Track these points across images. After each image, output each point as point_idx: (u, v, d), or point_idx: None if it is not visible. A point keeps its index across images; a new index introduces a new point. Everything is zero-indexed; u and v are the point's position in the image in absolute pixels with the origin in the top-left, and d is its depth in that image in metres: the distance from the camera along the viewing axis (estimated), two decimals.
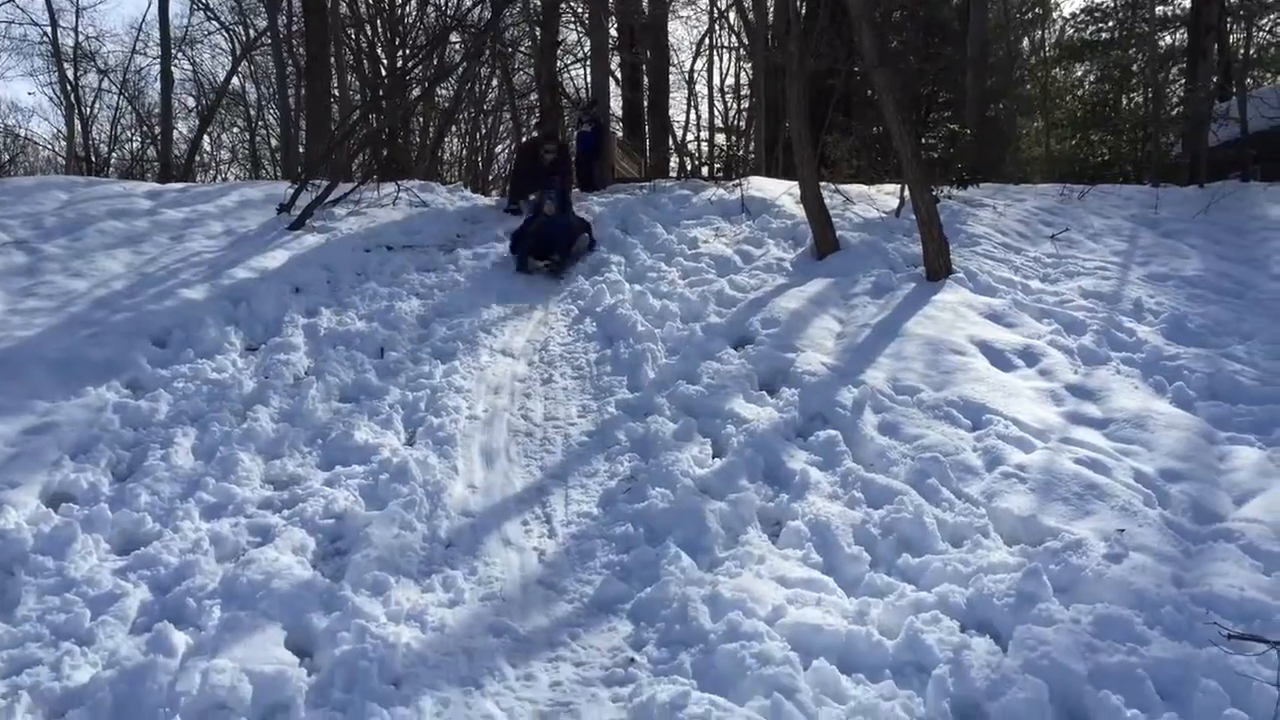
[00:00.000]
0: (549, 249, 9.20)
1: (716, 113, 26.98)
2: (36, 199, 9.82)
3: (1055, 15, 26.10)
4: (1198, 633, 4.14)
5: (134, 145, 26.19)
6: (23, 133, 27.14)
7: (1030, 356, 7.21)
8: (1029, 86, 23.45)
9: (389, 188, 11.17)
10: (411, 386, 6.86)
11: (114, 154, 25.12)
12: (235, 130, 28.52)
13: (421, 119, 17.62)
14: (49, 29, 22.12)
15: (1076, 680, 3.88)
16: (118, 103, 24.83)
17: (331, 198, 10.28)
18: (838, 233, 9.54)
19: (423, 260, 9.26)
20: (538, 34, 14.81)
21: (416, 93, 14.17)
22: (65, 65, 22.78)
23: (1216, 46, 16.95)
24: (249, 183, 12.87)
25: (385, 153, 12.78)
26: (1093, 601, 4.38)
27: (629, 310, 8.00)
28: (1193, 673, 3.88)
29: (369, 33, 18.98)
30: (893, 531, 5.09)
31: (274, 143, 27.37)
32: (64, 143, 23.69)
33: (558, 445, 6.23)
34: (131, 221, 9.43)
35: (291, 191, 10.21)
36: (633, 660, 4.16)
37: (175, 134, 21.60)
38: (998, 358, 7.14)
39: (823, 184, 9.95)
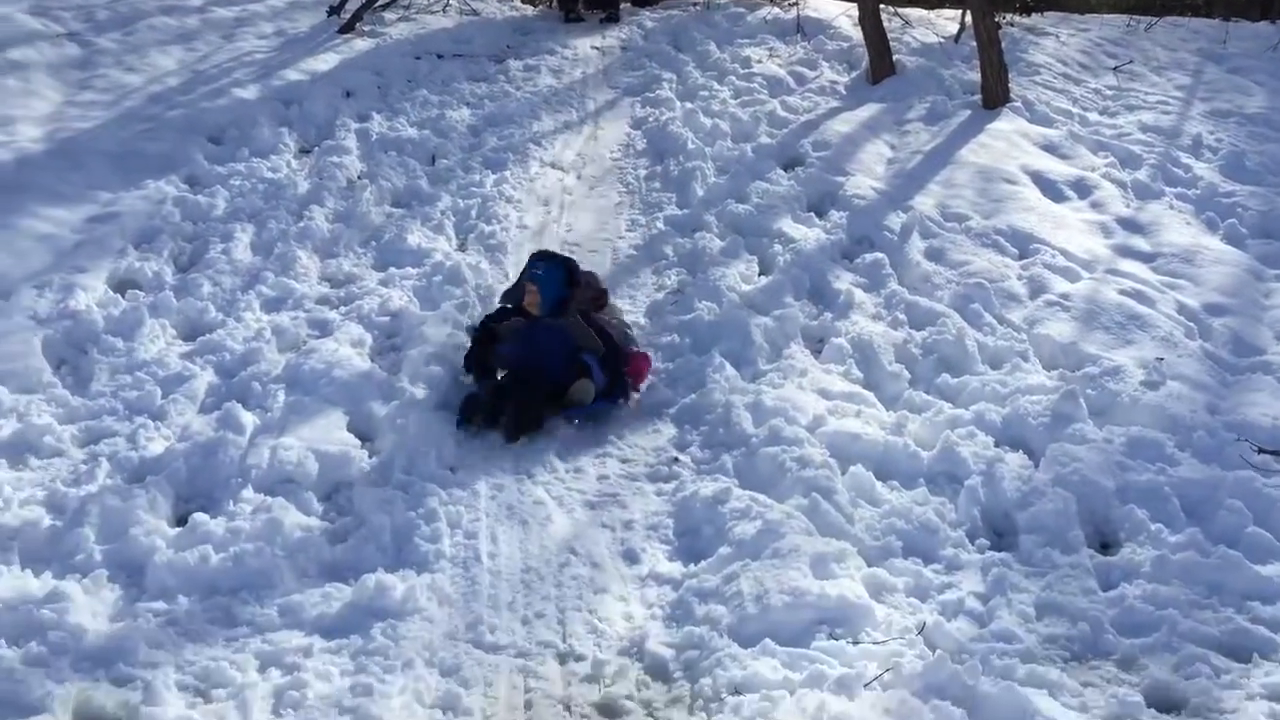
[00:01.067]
0: None
1: None
2: None
3: None
4: (1227, 457, 4.26)
5: None
6: None
7: (1083, 188, 7.15)
8: None
9: None
10: (462, 194, 6.91)
11: None
12: None
13: None
14: None
15: (1105, 495, 4.03)
16: None
17: (381, 1, 10.12)
18: (894, 57, 9.32)
19: (473, 69, 9.17)
20: None
21: None
22: None
23: None
24: None
25: None
26: (1126, 424, 4.49)
27: (680, 128, 7.94)
28: (1219, 493, 4.01)
29: None
30: (934, 352, 5.19)
31: None
32: None
33: (606, 257, 6.32)
34: (183, 18, 9.35)
35: None
36: (676, 459, 4.35)
37: None
38: (1050, 188, 7.08)
39: (881, 6, 9.67)
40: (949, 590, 3.51)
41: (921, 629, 3.23)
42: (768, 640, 3.12)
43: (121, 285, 5.39)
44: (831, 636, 3.17)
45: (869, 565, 3.60)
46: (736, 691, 2.92)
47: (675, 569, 3.64)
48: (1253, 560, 3.65)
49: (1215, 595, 3.49)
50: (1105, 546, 3.86)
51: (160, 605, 3.17)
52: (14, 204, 5.97)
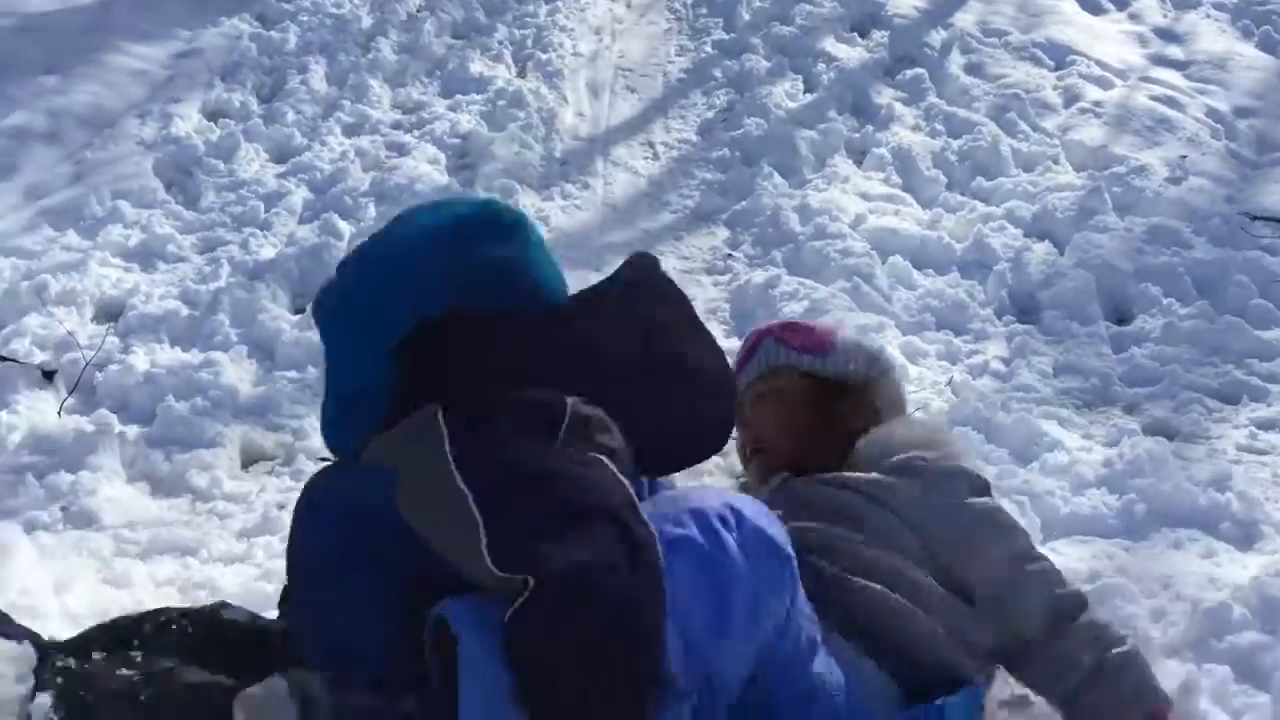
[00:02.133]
0: None
1: None
2: None
3: None
4: (1239, 240, 4.62)
5: None
6: None
7: (1121, 1, 7.31)
8: None
9: None
10: (518, 25, 7.20)
11: None
12: None
13: None
14: None
15: (1122, 276, 4.43)
16: None
17: None
18: None
19: None
20: None
21: None
22: None
23: None
24: None
25: None
26: (1148, 216, 4.85)
27: None
28: (1229, 271, 4.39)
29: None
30: (969, 158, 5.52)
31: None
32: None
33: (657, 80, 6.65)
34: None
35: None
36: (730, 255, 4.79)
37: None
38: (1088, 2, 7.25)
39: None
40: (976, 355, 3.96)
41: (949, 381, 3.70)
42: None
43: (213, 114, 5.82)
44: None
45: (904, 335, 4.05)
46: None
47: (733, 344, 4.11)
48: (1255, 326, 4.05)
49: (1217, 354, 3.90)
50: (1121, 321, 4.27)
51: (293, 374, 3.70)
52: (103, 42, 6.38)
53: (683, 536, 1.51)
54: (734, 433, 1.94)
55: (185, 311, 4.07)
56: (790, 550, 1.58)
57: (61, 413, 3.40)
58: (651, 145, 5.88)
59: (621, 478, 1.53)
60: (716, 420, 1.77)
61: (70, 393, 3.51)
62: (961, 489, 1.97)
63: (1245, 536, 2.60)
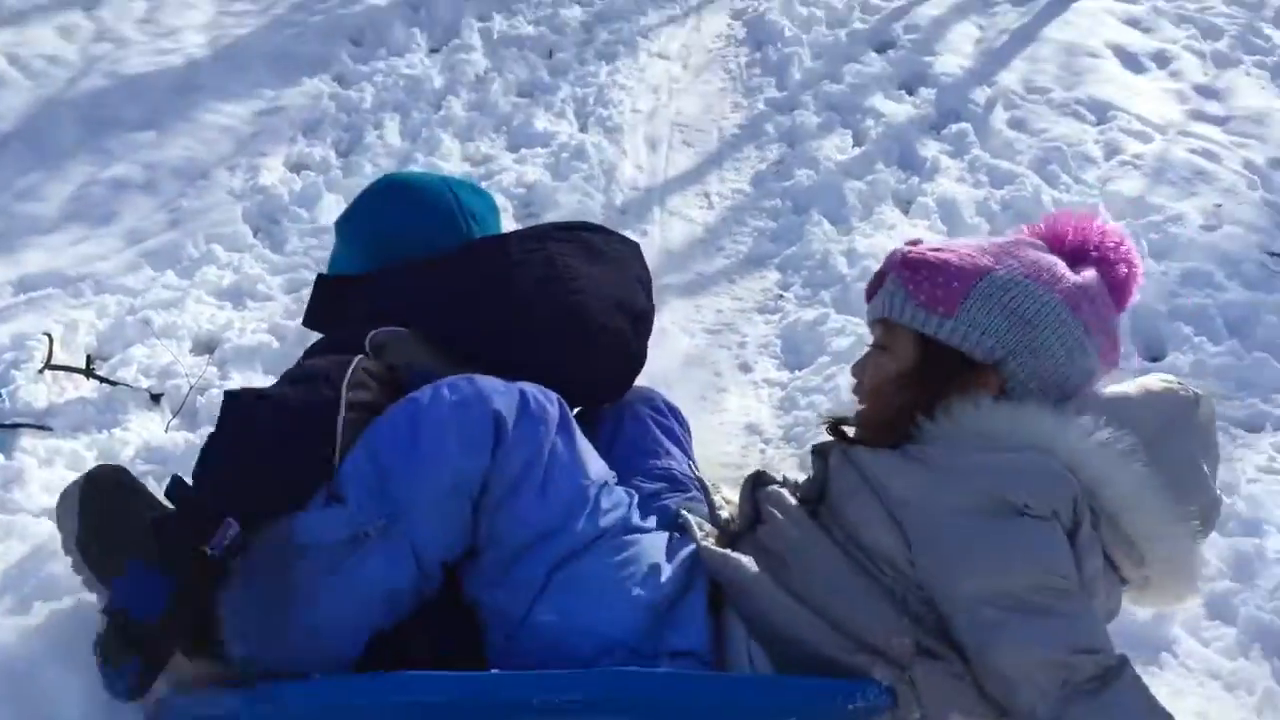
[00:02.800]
0: None
1: None
2: None
3: None
4: (1271, 283, 4.82)
5: None
6: None
7: (1163, 59, 7.55)
8: None
9: None
10: (580, 84, 7.59)
11: None
12: None
13: None
14: None
15: (1156, 316, 4.64)
16: None
17: None
18: None
19: None
20: None
21: None
22: None
23: None
24: None
25: None
26: (1182, 260, 5.06)
27: (777, 17, 8.47)
28: (1259, 312, 4.59)
29: None
30: (1011, 207, 5.77)
31: None
32: None
33: (712, 135, 6.98)
34: None
35: None
36: (781, 295, 5.06)
37: None
38: (1130, 60, 7.51)
39: None
40: None
41: None
42: None
43: (296, 166, 6.23)
44: None
45: None
46: None
47: (783, 375, 4.38)
48: None
49: (1244, 389, 4.09)
50: (1154, 358, 4.47)
51: None
52: (193, 101, 6.84)
53: (410, 397, 1.88)
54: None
55: (275, 344, 4.41)
56: (511, 415, 1.78)
57: (168, 430, 3.74)
58: (706, 195, 6.19)
59: (350, 365, 2.01)
60: (594, 380, 2.17)
61: (176, 413, 3.85)
62: (966, 497, 1.62)
63: (1246, 532, 2.77)
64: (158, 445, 3.57)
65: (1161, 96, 7.00)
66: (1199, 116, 6.74)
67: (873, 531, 1.70)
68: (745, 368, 4.50)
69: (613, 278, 2.22)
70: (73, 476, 2.91)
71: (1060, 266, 1.76)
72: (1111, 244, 1.80)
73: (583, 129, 6.99)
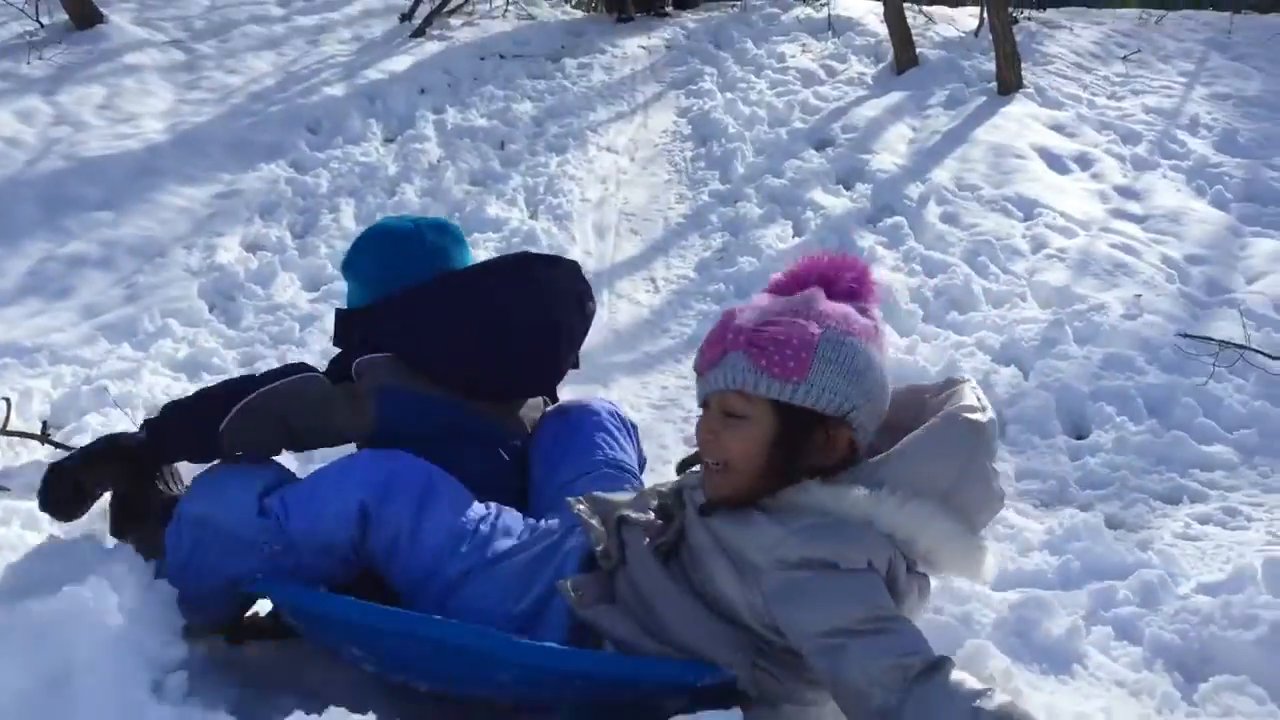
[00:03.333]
0: None
1: None
2: (181, 4, 10.78)
3: None
4: (1188, 367, 5.08)
5: None
6: None
7: (1085, 162, 7.97)
8: None
9: (499, 0, 11.93)
10: (530, 174, 7.84)
11: None
12: None
13: None
14: None
15: (1080, 396, 4.87)
16: None
17: (448, 7, 11.12)
18: (917, 50, 10.17)
19: (532, 68, 10.12)
20: None
21: None
22: None
23: None
24: None
25: None
26: (1105, 346, 5.32)
27: (721, 115, 8.84)
28: (1176, 393, 4.84)
29: None
30: (944, 295, 6.03)
31: None
32: None
33: (658, 224, 7.24)
34: (270, 26, 10.38)
35: (412, 2, 11.04)
36: None
37: None
38: (1055, 162, 7.91)
39: (906, 3, 10.51)
40: None
41: None
42: None
43: (252, 247, 6.37)
44: None
45: None
46: None
47: None
48: (1199, 441, 4.47)
49: (1163, 464, 4.31)
50: (1079, 435, 4.69)
51: None
52: (152, 183, 6.98)
53: (334, 463, 2.45)
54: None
55: None
56: (374, 503, 2.27)
57: None
58: (653, 280, 6.41)
59: (318, 381, 2.49)
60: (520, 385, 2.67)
61: None
62: (807, 560, 1.88)
63: (1161, 582, 2.94)
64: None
65: (1084, 195, 7.38)
66: (1120, 214, 7.11)
67: (724, 584, 1.99)
68: (690, 442, 4.65)
69: (544, 300, 2.67)
70: (29, 536, 2.98)
71: (852, 314, 1.99)
72: (850, 275, 2.08)
73: (533, 216, 7.21)
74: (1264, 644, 1.88)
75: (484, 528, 2.31)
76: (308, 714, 1.46)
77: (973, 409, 1.98)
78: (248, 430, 2.38)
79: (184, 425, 2.48)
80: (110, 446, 2.52)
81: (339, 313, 2.81)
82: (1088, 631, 2.36)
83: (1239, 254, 6.59)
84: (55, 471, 2.52)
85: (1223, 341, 5.13)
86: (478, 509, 2.37)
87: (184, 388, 4.75)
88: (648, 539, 2.12)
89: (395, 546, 2.27)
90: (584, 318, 2.79)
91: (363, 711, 1.54)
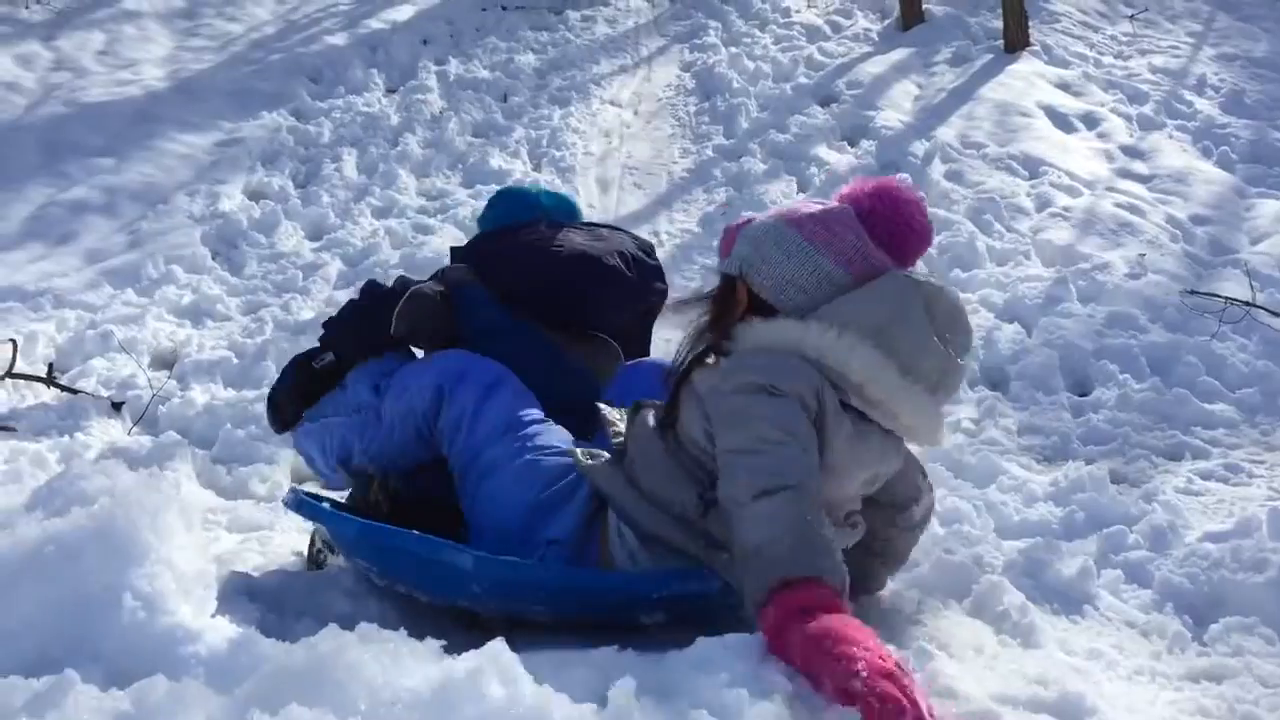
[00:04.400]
0: None
1: None
2: None
3: None
4: (1191, 326, 5.09)
5: None
6: None
7: (1091, 121, 7.92)
8: None
9: None
10: (534, 126, 7.80)
11: None
12: None
13: None
14: None
15: (1083, 354, 4.87)
16: None
17: None
18: (924, 6, 10.08)
19: (535, 19, 10.03)
20: None
21: None
22: None
23: None
24: None
25: None
26: (1108, 304, 5.32)
27: (725, 70, 8.78)
28: (1179, 352, 4.84)
29: None
30: (948, 252, 6.02)
31: None
32: None
33: (662, 179, 7.21)
34: None
35: None
36: None
37: None
38: (1061, 120, 7.86)
39: None
40: (949, 417, 4.37)
41: None
42: None
43: (255, 195, 6.35)
44: None
45: None
46: None
47: None
48: (1201, 400, 4.48)
49: (1165, 421, 4.32)
50: (1082, 393, 4.70)
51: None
52: (153, 130, 6.94)
53: (423, 357, 2.94)
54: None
55: (235, 360, 4.49)
56: (449, 384, 2.62)
57: (131, 433, 3.81)
58: (657, 234, 6.39)
59: (435, 288, 2.94)
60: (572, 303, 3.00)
61: (137, 421, 3.92)
62: (737, 385, 2.08)
63: (1171, 527, 2.96)
64: (122, 447, 3.64)
65: (1090, 155, 7.35)
66: (1125, 174, 7.08)
67: (690, 425, 2.20)
68: None
69: (602, 246, 3.15)
70: (40, 474, 2.99)
71: (805, 208, 2.25)
72: (888, 213, 2.25)
73: (536, 169, 7.18)
74: (1274, 586, 1.91)
75: (534, 428, 2.56)
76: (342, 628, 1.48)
77: (917, 273, 2.23)
78: (415, 315, 2.83)
79: (360, 329, 2.96)
80: (307, 375, 3.01)
81: (453, 249, 3.27)
82: (1098, 574, 2.39)
83: (1244, 215, 6.57)
84: (272, 403, 3.07)
85: (1229, 299, 5.12)
86: (535, 412, 2.63)
87: (188, 334, 4.75)
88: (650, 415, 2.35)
89: (459, 425, 2.56)
90: (645, 287, 3.18)
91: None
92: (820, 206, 2.28)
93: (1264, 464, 3.88)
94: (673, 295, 2.94)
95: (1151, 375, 4.72)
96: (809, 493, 1.95)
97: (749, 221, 2.39)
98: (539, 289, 2.93)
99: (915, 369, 2.07)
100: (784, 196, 6.69)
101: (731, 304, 2.25)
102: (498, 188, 6.78)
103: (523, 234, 3.04)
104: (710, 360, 2.24)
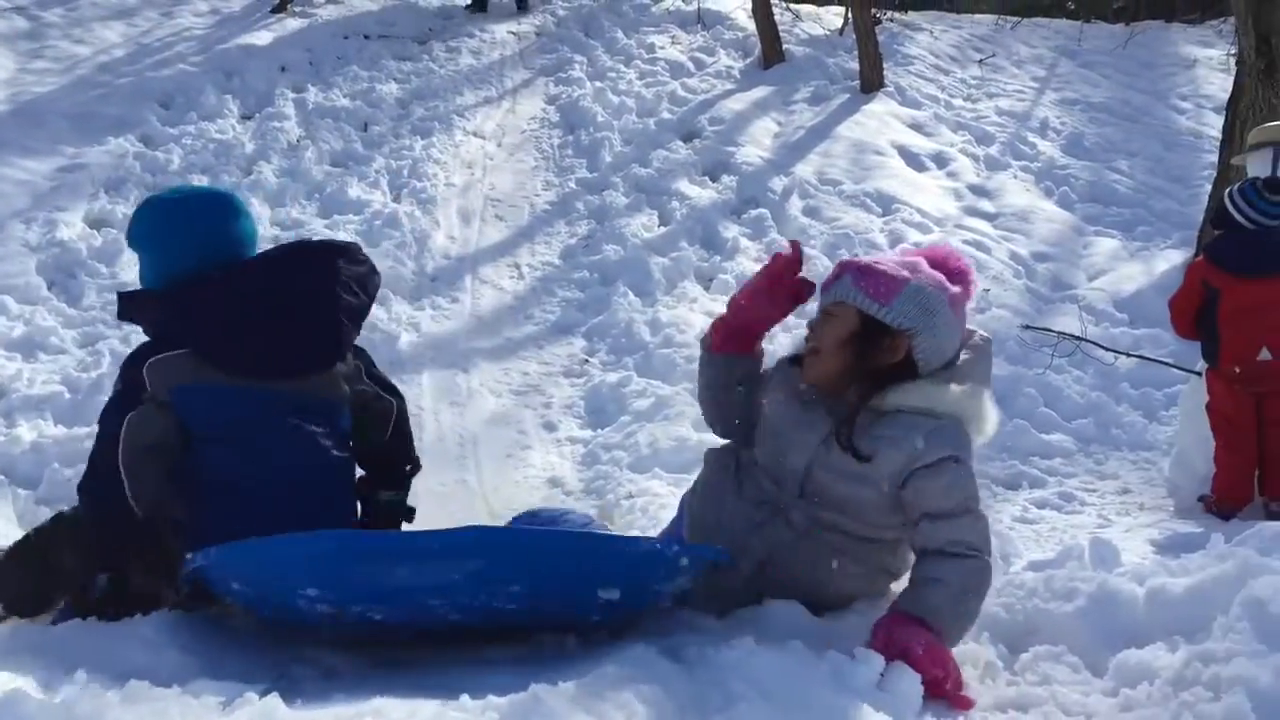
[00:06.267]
0: None
1: None
2: None
3: None
4: (1030, 359, 5.28)
5: None
6: None
7: (941, 160, 8.21)
8: None
9: None
10: (394, 157, 7.70)
11: None
12: None
13: None
14: None
15: None
16: None
17: None
18: (784, 46, 10.32)
19: (398, 49, 9.93)
20: None
21: None
22: None
23: None
24: None
25: None
26: None
27: (590, 104, 8.82)
28: (1019, 385, 5.03)
29: None
30: None
31: None
32: None
33: (524, 210, 7.19)
34: None
35: None
36: (586, 361, 5.24)
37: None
38: (913, 160, 8.13)
39: (773, 1, 10.66)
40: None
41: None
42: (657, 469, 4.03)
43: (96, 223, 6.10)
44: None
45: None
46: (630, 497, 3.83)
47: (586, 433, 4.54)
48: (1039, 430, 4.65)
49: (1005, 452, 4.48)
50: None
51: None
52: None
53: None
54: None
55: (68, 395, 4.30)
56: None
57: None
58: (518, 266, 6.36)
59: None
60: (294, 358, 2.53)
61: None
62: (928, 454, 2.36)
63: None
64: None
65: (940, 193, 7.61)
66: (972, 212, 7.35)
67: (881, 463, 2.40)
68: (550, 426, 4.64)
69: (318, 282, 2.58)
70: None
71: (944, 280, 2.50)
72: (956, 266, 2.56)
73: (396, 199, 7.08)
74: (1082, 614, 1.97)
75: None
76: None
77: (982, 337, 2.64)
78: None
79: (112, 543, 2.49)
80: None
81: (123, 295, 2.70)
82: None
83: (1082, 252, 6.88)
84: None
85: (1062, 333, 5.34)
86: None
87: (18, 368, 4.53)
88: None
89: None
90: (361, 294, 2.62)
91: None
92: (951, 285, 2.52)
93: (1095, 492, 4.04)
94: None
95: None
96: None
97: (876, 263, 2.53)
98: (275, 347, 2.54)
99: (985, 388, 2.51)
100: (645, 230, 6.74)
101: (879, 353, 2.43)
102: (355, 217, 6.79)
103: (217, 286, 2.56)
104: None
